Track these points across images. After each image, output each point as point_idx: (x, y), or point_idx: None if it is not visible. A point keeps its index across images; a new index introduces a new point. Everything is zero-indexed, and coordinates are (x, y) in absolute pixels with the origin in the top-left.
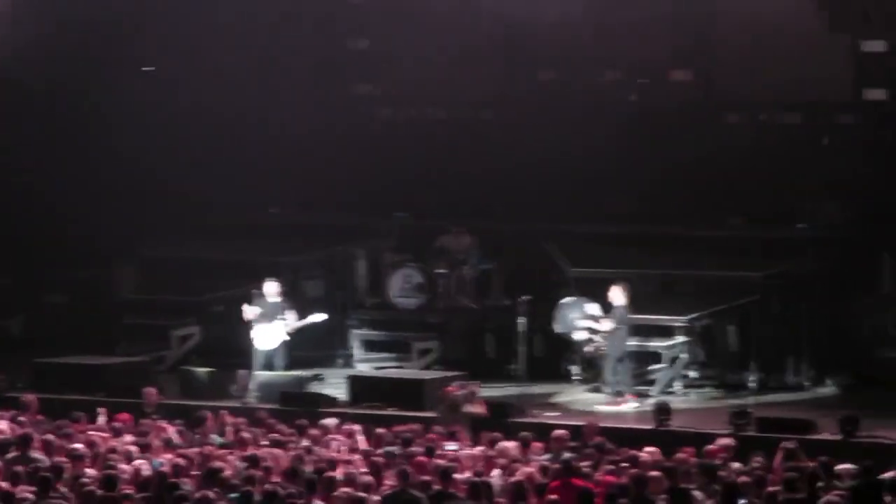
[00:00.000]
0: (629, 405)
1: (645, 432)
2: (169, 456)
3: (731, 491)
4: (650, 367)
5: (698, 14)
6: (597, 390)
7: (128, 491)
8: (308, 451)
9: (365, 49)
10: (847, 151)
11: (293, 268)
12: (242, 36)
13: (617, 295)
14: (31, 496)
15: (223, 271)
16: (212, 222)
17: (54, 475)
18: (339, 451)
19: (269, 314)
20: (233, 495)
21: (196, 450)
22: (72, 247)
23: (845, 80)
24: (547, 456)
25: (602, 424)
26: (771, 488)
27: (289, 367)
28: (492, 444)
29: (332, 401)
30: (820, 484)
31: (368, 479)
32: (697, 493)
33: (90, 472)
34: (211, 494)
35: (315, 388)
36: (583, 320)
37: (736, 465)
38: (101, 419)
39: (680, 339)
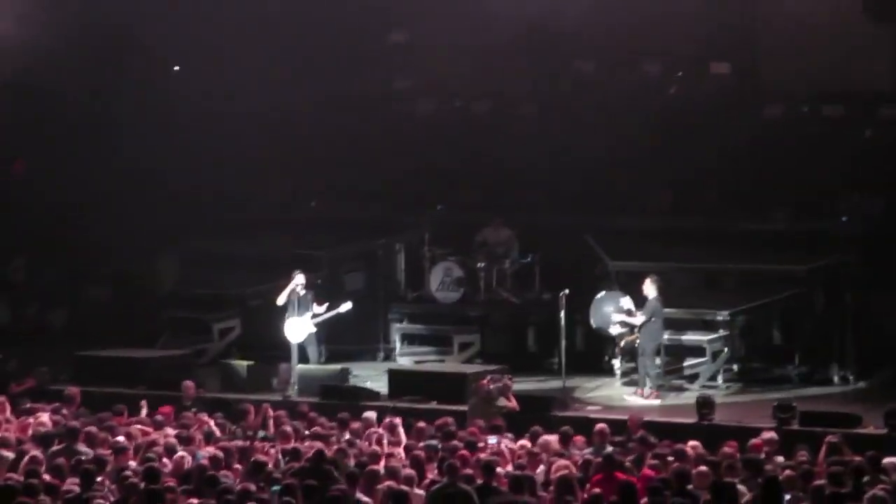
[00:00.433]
0: (655, 399)
1: (688, 426)
2: (210, 449)
3: (774, 485)
4: (693, 362)
5: (738, 5)
6: (635, 384)
7: (170, 483)
8: (350, 444)
9: (404, 43)
10: (890, 144)
11: (333, 261)
12: (281, 32)
13: (649, 288)
14: (76, 489)
15: (263, 265)
16: (252, 216)
17: (97, 468)
18: (380, 445)
19: (299, 306)
20: (275, 488)
21: (237, 443)
22: (114, 241)
23: (888, 72)
24: (589, 450)
25: (646, 418)
26: (816, 482)
27: (321, 359)
28: (534, 438)
29: (372, 394)
30: (866, 478)
31: (410, 472)
32: (741, 487)
33: (132, 464)
34: (252, 487)
35: (356, 381)
36: (617, 314)
37: (780, 459)
38: (143, 412)
39: (723, 333)
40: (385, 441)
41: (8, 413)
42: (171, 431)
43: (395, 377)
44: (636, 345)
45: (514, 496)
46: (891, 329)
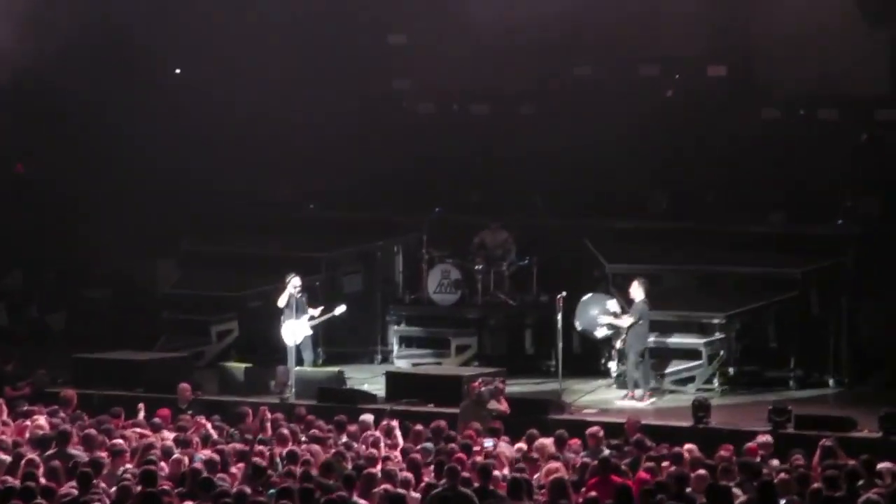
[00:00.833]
0: (647, 402)
1: (684, 429)
2: (207, 452)
3: (768, 489)
4: (689, 364)
5: (735, 9)
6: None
7: (167, 486)
8: (347, 447)
9: (404, 44)
10: (886, 147)
11: (331, 263)
12: (280, 33)
13: (636, 290)
14: (73, 492)
15: (262, 267)
16: (251, 218)
17: (94, 470)
18: (377, 448)
19: (294, 309)
20: (271, 491)
21: (235, 445)
22: (112, 243)
23: (884, 76)
24: (585, 453)
25: (643, 422)
26: (812, 486)
27: (318, 361)
28: (530, 441)
29: (370, 397)
30: (860, 482)
31: (407, 475)
32: (737, 491)
33: (129, 467)
34: (248, 490)
35: (353, 383)
36: (604, 317)
37: (775, 462)
38: (141, 415)
39: (718, 335)
40: (382, 444)
41: (5, 416)
42: (168, 434)
43: (393, 380)
44: (622, 347)
45: (512, 500)
46: (886, 332)
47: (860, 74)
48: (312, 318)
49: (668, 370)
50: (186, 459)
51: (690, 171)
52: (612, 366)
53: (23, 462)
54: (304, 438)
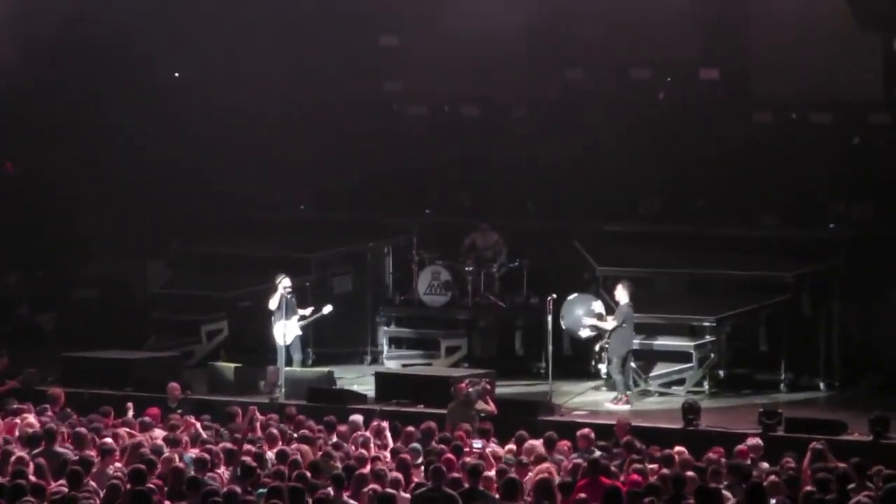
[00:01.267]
0: (625, 405)
1: (674, 431)
2: (196, 451)
3: (758, 491)
4: (679, 367)
5: (728, 12)
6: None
7: (155, 485)
8: (337, 447)
9: (395, 46)
10: (878, 151)
11: (321, 264)
12: (272, 34)
13: (621, 293)
14: (63, 490)
15: (252, 267)
16: (241, 219)
17: (84, 469)
18: (368, 448)
19: (284, 309)
20: (260, 490)
21: (224, 444)
22: (102, 243)
23: (876, 80)
24: (575, 454)
25: (633, 423)
26: (805, 489)
27: (306, 361)
28: (519, 442)
29: (359, 397)
30: (851, 485)
31: (397, 475)
32: (727, 493)
33: (119, 466)
34: (238, 489)
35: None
36: (588, 318)
37: (764, 465)
38: (130, 413)
39: (709, 338)
40: (372, 444)
41: None
42: (158, 433)
43: (382, 380)
44: (603, 350)
45: (503, 501)
46: (877, 336)
47: (853, 78)
48: (303, 317)
49: (658, 372)
50: (176, 458)
51: (682, 174)
52: (602, 368)
53: (12, 459)
54: (295, 436)
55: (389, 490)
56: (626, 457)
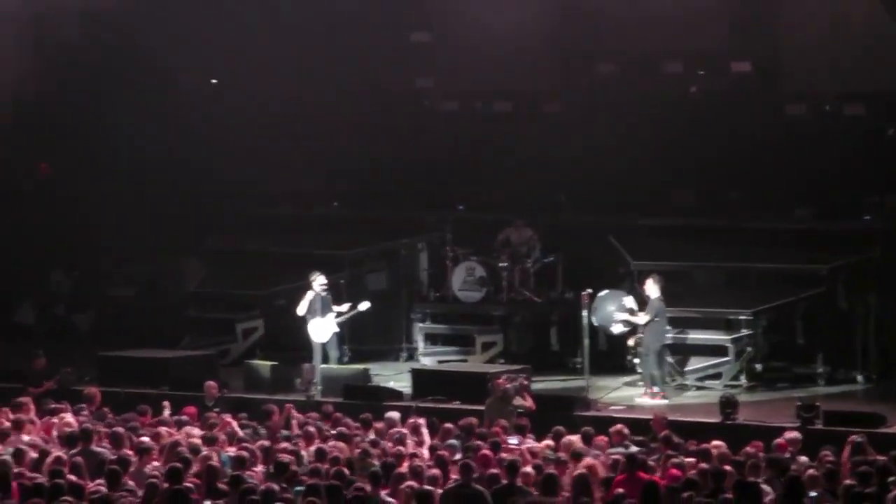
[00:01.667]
0: (664, 400)
1: (712, 425)
2: (233, 449)
3: (796, 485)
4: (716, 361)
5: (760, 5)
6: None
7: (192, 483)
8: (374, 444)
9: (427, 42)
10: None
11: (356, 261)
12: (304, 31)
13: (651, 288)
14: (102, 489)
15: (287, 265)
16: (275, 216)
17: (121, 468)
18: (404, 445)
19: (320, 307)
20: (298, 488)
21: (262, 443)
22: (138, 242)
23: None
24: (611, 450)
25: (670, 418)
26: (844, 482)
27: (342, 358)
28: (557, 438)
29: (395, 394)
30: (891, 478)
31: (435, 472)
32: (765, 487)
33: (156, 464)
34: (276, 487)
35: (379, 381)
36: (620, 313)
37: (803, 458)
38: (166, 412)
39: (746, 332)
40: (409, 441)
41: (32, 414)
42: (195, 431)
43: (418, 377)
44: (641, 345)
45: (541, 496)
46: None
47: (886, 69)
48: (340, 314)
49: (695, 367)
50: (214, 456)
51: (715, 167)
52: (638, 362)
53: (49, 459)
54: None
55: (427, 487)
56: (663, 451)
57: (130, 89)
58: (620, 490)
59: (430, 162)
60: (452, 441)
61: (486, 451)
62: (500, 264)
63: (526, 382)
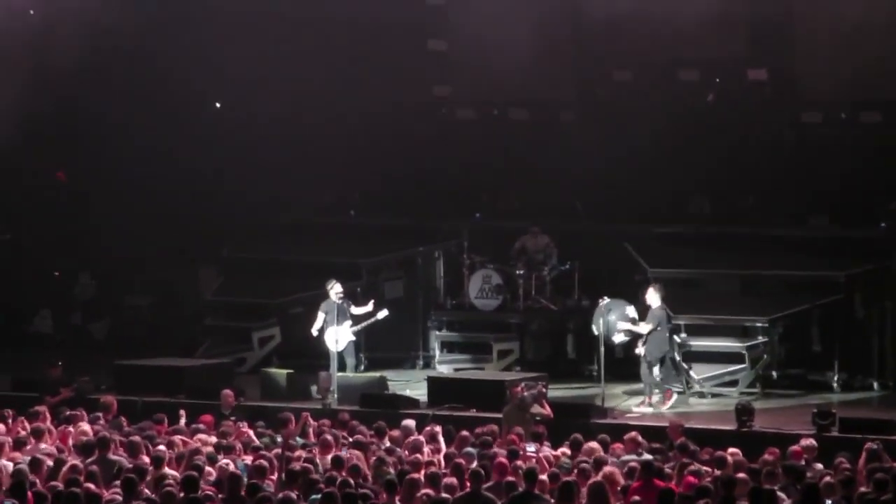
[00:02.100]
0: (665, 407)
1: (727, 433)
2: (250, 458)
3: (813, 492)
4: (732, 368)
5: (776, 12)
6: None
7: (209, 492)
8: (390, 452)
9: (444, 51)
10: None
11: (373, 269)
12: (320, 39)
13: (653, 297)
14: (117, 497)
15: (303, 273)
16: (292, 225)
17: (138, 476)
18: (420, 453)
19: (336, 315)
20: (314, 497)
21: (277, 451)
22: (155, 250)
23: None
24: (627, 457)
25: (686, 425)
26: (859, 489)
27: (359, 366)
28: (574, 446)
29: (412, 402)
30: None
31: (451, 480)
32: (781, 494)
33: (173, 473)
34: (293, 495)
35: (395, 389)
36: (622, 322)
37: (819, 466)
38: (182, 421)
39: (762, 339)
40: (425, 449)
41: (48, 422)
42: (209, 440)
43: (434, 385)
44: (644, 354)
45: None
46: None
47: None
48: (357, 319)
49: (711, 374)
50: (231, 465)
51: (731, 175)
52: (656, 370)
53: (65, 468)
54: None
55: (444, 495)
56: (679, 459)
57: (148, 100)
58: (636, 497)
59: (447, 170)
60: (469, 449)
61: (503, 459)
62: (517, 272)
63: (544, 390)
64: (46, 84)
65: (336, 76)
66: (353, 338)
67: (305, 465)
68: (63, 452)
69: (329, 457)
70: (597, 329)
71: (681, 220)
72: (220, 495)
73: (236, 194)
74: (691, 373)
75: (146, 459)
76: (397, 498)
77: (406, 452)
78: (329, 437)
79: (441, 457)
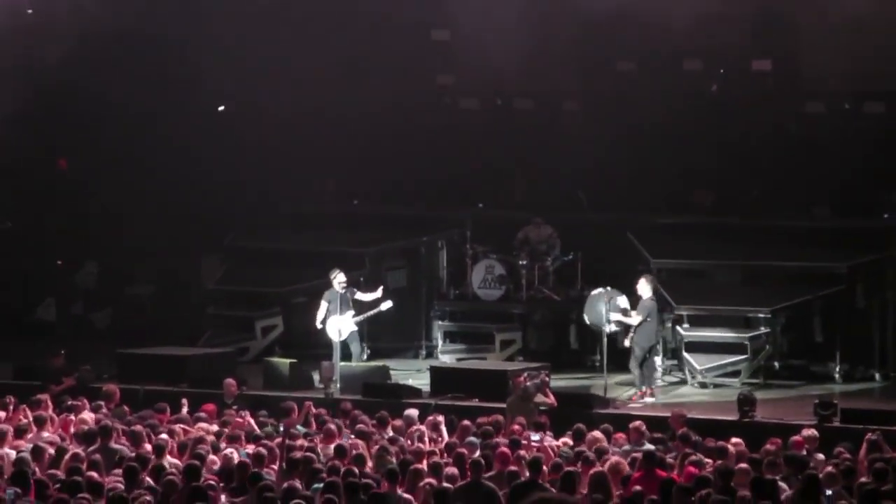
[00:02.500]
0: (649, 399)
1: (729, 423)
2: (251, 446)
3: (813, 482)
4: (734, 359)
5: (779, 2)
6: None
7: (212, 481)
8: (393, 441)
9: (447, 40)
10: None
11: (376, 258)
12: (324, 28)
13: (644, 288)
14: (119, 486)
15: (306, 262)
16: (295, 214)
17: (140, 465)
18: (423, 443)
19: (339, 305)
20: (316, 485)
21: (278, 440)
22: (157, 239)
23: None
24: (629, 447)
25: (688, 415)
26: (860, 479)
27: (363, 356)
28: (577, 436)
29: (414, 392)
30: None
31: (453, 470)
32: (782, 484)
33: (175, 461)
34: (297, 485)
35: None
36: (613, 313)
37: (820, 456)
38: (184, 410)
39: (764, 330)
40: (427, 439)
41: (50, 411)
42: (213, 429)
43: (437, 374)
44: (632, 344)
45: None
46: None
47: None
48: (362, 308)
49: (713, 364)
50: (235, 454)
51: (734, 165)
52: (658, 360)
53: (67, 456)
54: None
55: (446, 484)
56: (681, 449)
57: (151, 89)
58: (638, 487)
59: (450, 159)
60: (472, 438)
61: (505, 449)
62: (520, 262)
63: (547, 379)
64: (47, 70)
65: (339, 66)
66: (356, 327)
67: (307, 454)
68: (65, 441)
69: (332, 446)
70: (588, 319)
71: (684, 211)
72: (221, 484)
73: (239, 183)
74: (693, 363)
75: (148, 448)
76: (399, 487)
77: (409, 442)
78: (332, 427)
79: (442, 446)
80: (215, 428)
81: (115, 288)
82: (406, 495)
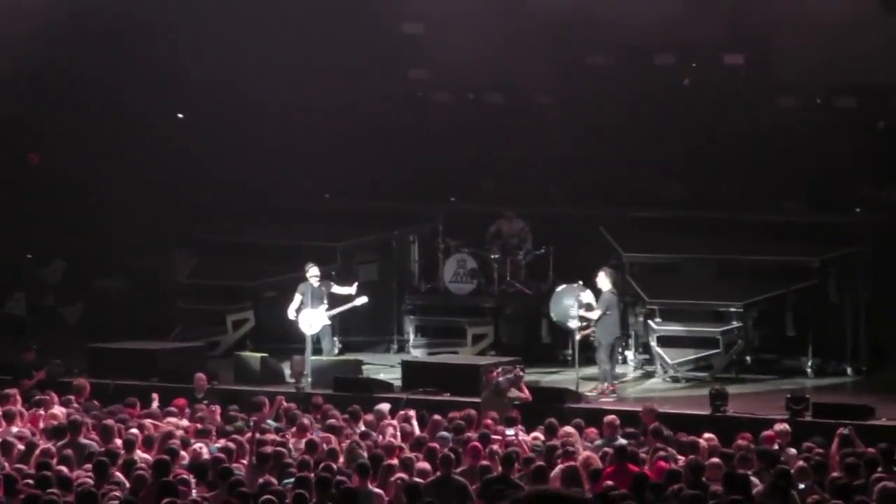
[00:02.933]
0: (613, 395)
1: (701, 417)
2: (222, 441)
3: (784, 477)
4: (706, 353)
5: None
6: (650, 376)
7: (182, 475)
8: (364, 436)
9: (419, 34)
10: None
11: (347, 252)
12: (295, 22)
13: (603, 281)
14: (88, 480)
15: (277, 256)
16: (266, 208)
17: (109, 460)
18: (394, 438)
19: (312, 298)
20: (287, 480)
21: (249, 435)
22: (128, 233)
23: None
24: (600, 441)
25: (660, 410)
26: (832, 474)
27: (334, 350)
28: (549, 430)
29: (385, 386)
30: (879, 470)
31: (424, 465)
32: (754, 479)
33: (144, 456)
34: (273, 480)
35: (369, 373)
36: (576, 309)
37: (792, 450)
38: (154, 404)
39: (736, 324)
40: (398, 433)
41: (19, 405)
42: (183, 423)
43: (409, 369)
44: (591, 339)
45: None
46: None
47: (877, 62)
48: (336, 301)
49: (685, 358)
50: (204, 449)
51: (706, 159)
52: (630, 354)
53: (37, 451)
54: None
55: (417, 479)
56: (652, 444)
57: (129, 78)
58: (609, 482)
59: (423, 153)
60: (444, 433)
61: (476, 443)
62: (492, 256)
63: (521, 374)
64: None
65: (311, 59)
66: (329, 321)
67: (277, 448)
68: (34, 436)
69: (303, 441)
70: (554, 315)
71: (656, 205)
72: (192, 479)
73: (211, 177)
74: (665, 357)
75: (119, 443)
76: (370, 482)
77: (380, 437)
78: (305, 422)
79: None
80: (185, 423)
81: (86, 282)
82: (377, 490)
